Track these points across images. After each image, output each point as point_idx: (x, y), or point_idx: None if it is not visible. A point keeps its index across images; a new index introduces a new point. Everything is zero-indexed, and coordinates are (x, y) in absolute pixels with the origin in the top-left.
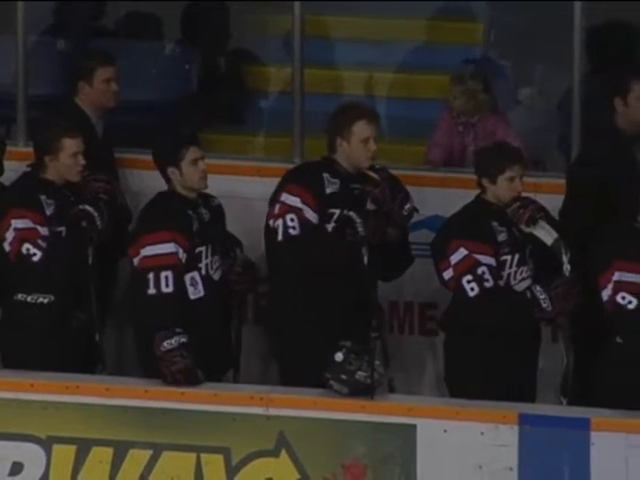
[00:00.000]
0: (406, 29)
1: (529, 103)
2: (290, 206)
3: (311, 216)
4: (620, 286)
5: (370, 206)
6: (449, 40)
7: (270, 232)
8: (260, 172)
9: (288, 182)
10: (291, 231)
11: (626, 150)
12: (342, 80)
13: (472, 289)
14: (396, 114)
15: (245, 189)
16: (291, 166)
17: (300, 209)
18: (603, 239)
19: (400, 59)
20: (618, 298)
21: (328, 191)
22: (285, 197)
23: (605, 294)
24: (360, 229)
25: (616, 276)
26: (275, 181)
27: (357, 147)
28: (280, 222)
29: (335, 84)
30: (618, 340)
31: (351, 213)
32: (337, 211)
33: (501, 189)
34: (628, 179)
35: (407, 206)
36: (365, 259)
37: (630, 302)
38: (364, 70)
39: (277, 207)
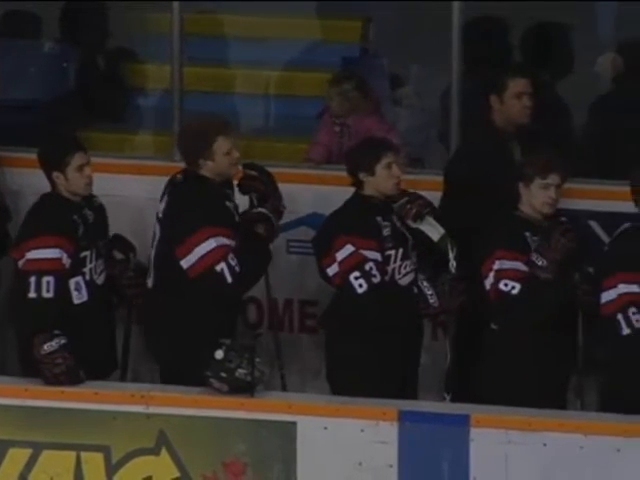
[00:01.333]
0: (288, 27)
1: (406, 102)
2: None
3: None
4: (501, 274)
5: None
6: (329, 38)
7: None
8: (140, 170)
9: None
10: None
11: (503, 146)
12: (224, 78)
13: (360, 285)
14: (277, 112)
15: (125, 188)
16: (171, 164)
17: None
18: (485, 229)
19: (282, 57)
20: (501, 285)
21: None
22: None
23: (488, 282)
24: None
25: (497, 264)
26: (156, 179)
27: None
28: None
29: (217, 82)
30: (492, 327)
31: (263, 210)
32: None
33: (381, 178)
34: (507, 172)
35: (283, 202)
36: None
37: (513, 287)
38: (246, 68)
39: None
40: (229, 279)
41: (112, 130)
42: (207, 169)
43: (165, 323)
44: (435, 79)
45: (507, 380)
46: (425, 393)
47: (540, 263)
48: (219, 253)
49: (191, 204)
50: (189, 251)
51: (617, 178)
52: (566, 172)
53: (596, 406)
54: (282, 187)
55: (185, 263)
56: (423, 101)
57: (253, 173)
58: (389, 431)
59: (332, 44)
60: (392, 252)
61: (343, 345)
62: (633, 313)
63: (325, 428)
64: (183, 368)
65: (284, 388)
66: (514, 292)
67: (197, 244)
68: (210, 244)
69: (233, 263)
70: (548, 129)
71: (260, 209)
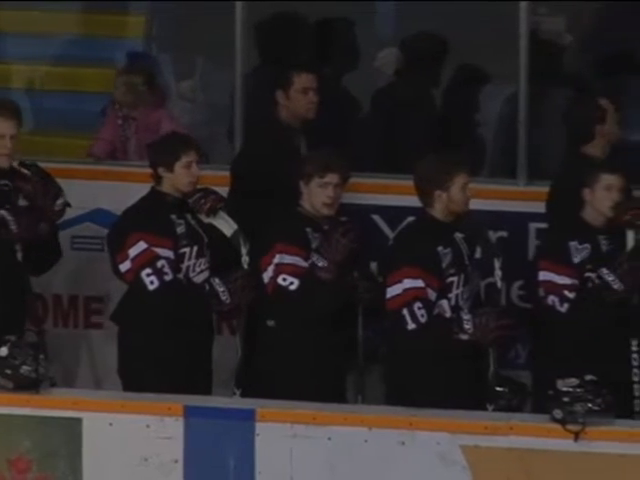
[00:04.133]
0: (69, 22)
1: (191, 96)
2: None
3: None
4: (281, 268)
5: (22, 202)
6: (113, 34)
7: None
8: None
9: None
10: None
11: (289, 142)
12: (3, 74)
13: (152, 282)
14: (60, 107)
15: None
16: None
17: None
18: (266, 224)
19: (64, 53)
20: (279, 280)
21: None
22: None
23: (266, 276)
24: (13, 226)
25: (277, 258)
26: None
27: None
28: None
29: None
30: (270, 324)
31: (2, 211)
32: None
33: (179, 176)
34: (292, 167)
35: (59, 201)
36: (19, 255)
37: (292, 283)
38: (26, 64)
39: None
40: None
41: None
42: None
43: None
44: (221, 73)
45: (288, 375)
46: (218, 388)
47: (320, 264)
48: None
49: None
50: None
51: (400, 172)
52: (346, 171)
53: (378, 402)
54: (65, 183)
55: None
56: (208, 95)
57: (25, 172)
58: (174, 426)
59: (115, 39)
60: (186, 250)
61: (134, 341)
62: (418, 308)
63: (110, 424)
64: None
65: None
66: (292, 287)
67: None
68: None
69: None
70: (333, 124)
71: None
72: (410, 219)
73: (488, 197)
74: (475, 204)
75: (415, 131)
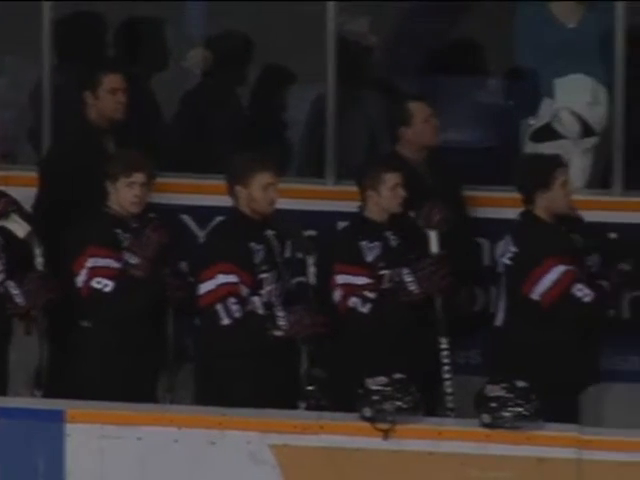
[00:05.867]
0: None
1: None
2: None
3: None
4: (94, 272)
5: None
6: None
7: None
8: None
9: None
10: None
11: (97, 142)
12: None
13: None
14: None
15: None
16: None
17: None
18: (75, 226)
19: None
20: (93, 283)
21: None
22: None
23: (80, 280)
24: None
25: (90, 262)
26: None
27: None
28: None
29: None
30: (84, 324)
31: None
32: None
33: None
34: (101, 168)
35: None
36: None
37: (106, 285)
38: None
39: None
40: None
41: None
42: None
43: None
44: (29, 72)
45: (99, 376)
46: (20, 389)
47: (133, 261)
48: None
49: None
50: None
51: (208, 172)
52: (152, 170)
53: (189, 400)
54: None
55: None
56: (16, 94)
57: None
58: None
59: None
60: None
61: None
62: (233, 303)
63: None
64: None
65: None
66: (107, 289)
67: None
68: None
69: None
70: (141, 124)
71: None
72: (220, 218)
73: (297, 196)
74: (284, 203)
75: (223, 131)
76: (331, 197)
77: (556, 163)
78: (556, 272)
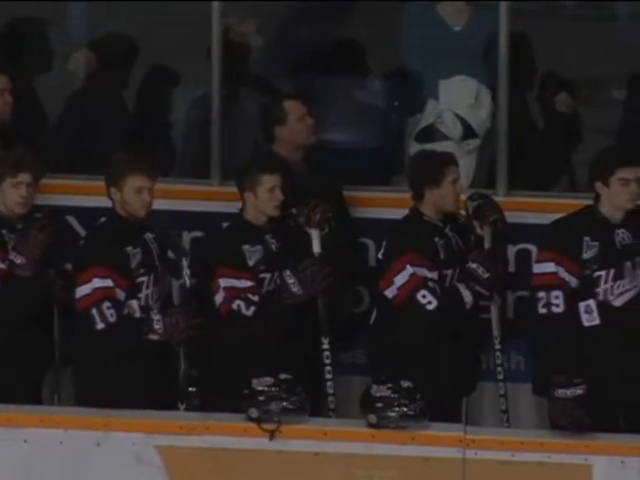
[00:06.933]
0: None
1: None
2: None
3: None
4: None
5: None
6: None
7: None
8: None
9: None
10: None
11: None
12: None
13: None
14: None
15: None
16: None
17: None
18: None
19: None
20: None
21: None
22: None
23: None
24: None
25: None
26: None
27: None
28: None
29: None
30: None
31: None
32: None
33: None
34: None
35: None
36: None
37: None
38: None
39: None
40: None
41: None
42: None
43: None
44: None
45: None
46: None
47: (19, 261)
48: None
49: None
50: None
51: (93, 173)
52: (38, 170)
53: (73, 401)
54: None
55: None
56: None
57: None
58: None
59: None
60: None
61: None
62: (107, 308)
63: None
64: None
65: None
66: None
67: None
68: None
69: None
70: (26, 125)
71: None
72: (103, 219)
73: (181, 197)
74: (168, 204)
75: (107, 132)
76: (217, 198)
77: (447, 161)
78: (406, 274)
